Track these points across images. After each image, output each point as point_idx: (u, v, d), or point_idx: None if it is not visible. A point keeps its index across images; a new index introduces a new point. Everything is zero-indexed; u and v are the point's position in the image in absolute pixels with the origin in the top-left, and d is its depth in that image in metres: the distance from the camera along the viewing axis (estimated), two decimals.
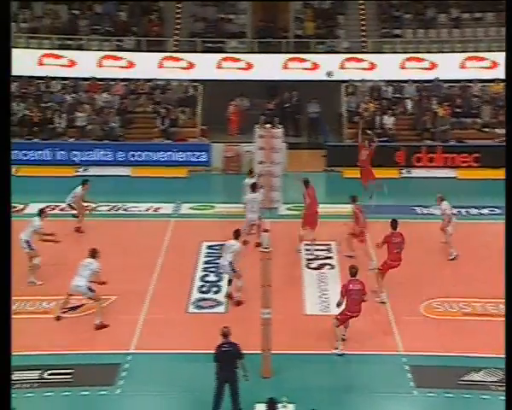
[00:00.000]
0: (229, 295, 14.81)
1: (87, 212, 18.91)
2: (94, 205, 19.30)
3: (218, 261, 16.49)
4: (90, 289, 13.66)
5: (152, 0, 29.47)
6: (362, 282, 12.82)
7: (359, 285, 12.70)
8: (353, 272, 12.90)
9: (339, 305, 12.83)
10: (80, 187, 18.39)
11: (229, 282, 14.92)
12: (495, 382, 11.81)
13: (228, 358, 10.83)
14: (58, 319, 13.94)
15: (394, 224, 14.89)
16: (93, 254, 13.97)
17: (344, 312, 12.75)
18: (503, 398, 11.33)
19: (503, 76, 27.05)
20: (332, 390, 11.83)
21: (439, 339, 13.24)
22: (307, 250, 17.22)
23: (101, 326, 13.65)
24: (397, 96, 26.48)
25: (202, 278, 15.92)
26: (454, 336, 13.34)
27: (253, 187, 17.60)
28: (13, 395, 11.27)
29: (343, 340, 12.85)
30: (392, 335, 13.44)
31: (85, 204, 18.75)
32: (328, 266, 16.53)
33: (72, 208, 18.44)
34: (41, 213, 15.86)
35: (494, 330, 12.82)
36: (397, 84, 26.57)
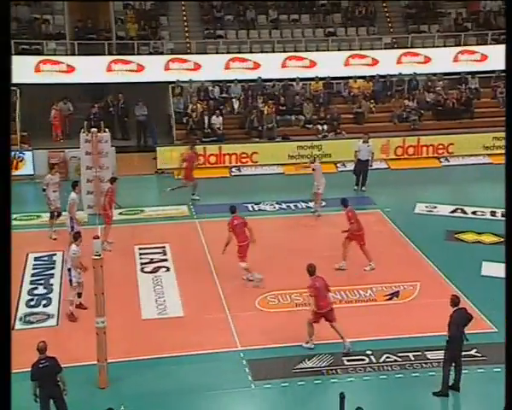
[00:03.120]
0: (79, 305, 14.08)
1: None
2: None
3: (48, 273, 15.90)
4: None
5: None
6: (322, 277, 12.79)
7: (322, 281, 12.70)
8: (311, 270, 12.72)
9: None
10: None
11: (79, 294, 14.13)
12: (326, 366, 12.32)
13: (47, 374, 10.29)
14: None
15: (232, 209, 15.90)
16: None
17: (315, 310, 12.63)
18: (335, 381, 11.95)
19: (321, 74, 28.61)
20: (172, 393, 11.72)
21: (274, 332, 13.56)
22: (142, 254, 17.00)
23: None
24: (223, 95, 26.88)
25: (30, 292, 15.11)
26: (288, 326, 13.72)
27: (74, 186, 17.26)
28: None
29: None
30: (229, 331, 13.57)
31: None
32: (163, 269, 16.37)
33: None
34: None
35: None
36: (223, 84, 26.97)
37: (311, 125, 26.18)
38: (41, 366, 10.32)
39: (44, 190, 17.92)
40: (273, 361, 12.52)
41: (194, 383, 12.01)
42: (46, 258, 16.71)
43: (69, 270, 13.93)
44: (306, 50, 27.94)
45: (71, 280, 13.93)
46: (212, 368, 12.40)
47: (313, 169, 19.63)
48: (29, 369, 10.40)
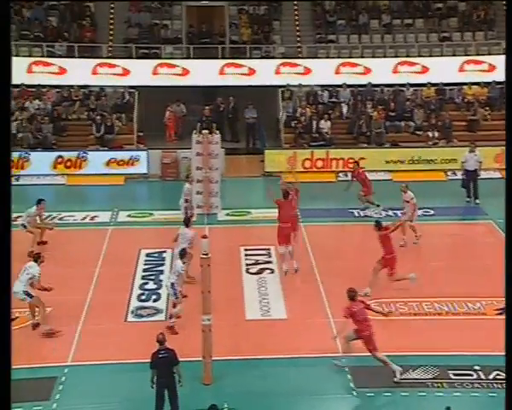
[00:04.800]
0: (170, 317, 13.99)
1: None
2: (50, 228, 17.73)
3: (158, 269, 16.42)
4: (28, 295, 13.25)
5: (84, 2, 28.93)
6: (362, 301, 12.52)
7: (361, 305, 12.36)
8: (352, 295, 12.37)
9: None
10: (35, 207, 17.22)
11: (174, 305, 14.00)
12: (431, 379, 12.03)
13: (165, 364, 10.70)
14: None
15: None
16: (36, 257, 13.58)
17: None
18: (440, 394, 11.65)
19: (433, 80, 27.93)
20: (273, 395, 11.80)
21: (378, 340, 13.36)
22: (247, 255, 17.25)
23: (51, 334, 13.26)
24: (332, 100, 26.80)
25: (141, 287, 15.70)
26: (392, 335, 13.50)
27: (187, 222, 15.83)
28: None
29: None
30: (331, 336, 13.50)
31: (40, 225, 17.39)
32: (267, 271, 16.53)
33: (28, 231, 16.84)
34: None
35: (429, 328, 13.07)
36: (332, 89, 26.90)
37: (421, 132, 25.63)
38: (160, 356, 10.73)
39: (187, 200, 18.42)
40: (376, 370, 12.34)
41: (296, 385, 12.05)
42: (157, 255, 17.29)
43: (172, 284, 13.67)
44: (419, 55, 27.40)
45: (175, 293, 13.68)
46: (313, 372, 12.40)
47: (407, 201, 17.71)
48: (138, 360, 10.83)
